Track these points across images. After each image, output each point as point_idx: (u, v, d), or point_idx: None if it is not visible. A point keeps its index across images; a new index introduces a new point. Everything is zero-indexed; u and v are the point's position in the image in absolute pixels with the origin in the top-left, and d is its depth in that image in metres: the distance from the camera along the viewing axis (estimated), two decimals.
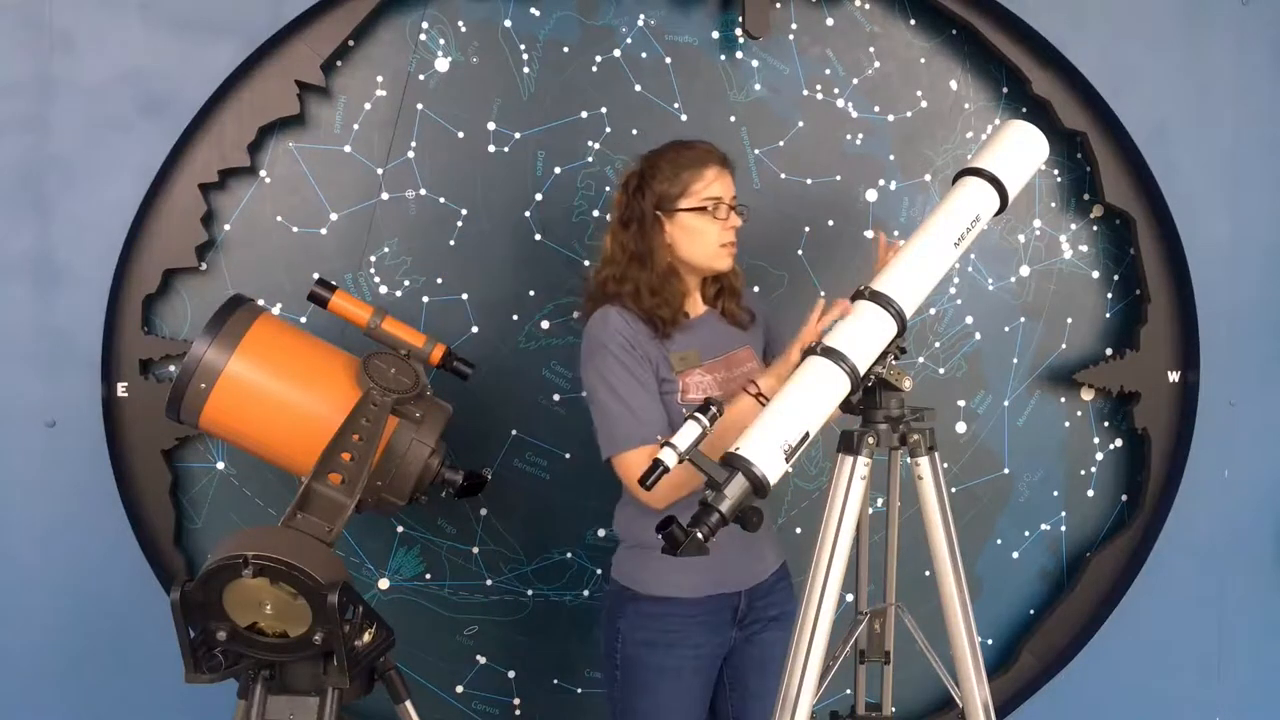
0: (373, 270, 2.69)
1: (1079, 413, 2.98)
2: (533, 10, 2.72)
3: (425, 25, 2.69)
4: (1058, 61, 2.82)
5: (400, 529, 2.73)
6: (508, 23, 2.72)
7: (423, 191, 2.71)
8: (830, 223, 2.85)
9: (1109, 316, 2.98)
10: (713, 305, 2.35)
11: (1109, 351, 2.97)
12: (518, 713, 2.81)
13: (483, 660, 2.79)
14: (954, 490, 2.82)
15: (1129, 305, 2.98)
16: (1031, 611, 2.99)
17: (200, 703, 2.41)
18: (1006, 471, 2.95)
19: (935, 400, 2.64)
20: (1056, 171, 2.94)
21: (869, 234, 2.86)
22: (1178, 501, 2.90)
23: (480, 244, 2.72)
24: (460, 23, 2.70)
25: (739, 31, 2.76)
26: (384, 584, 2.74)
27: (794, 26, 2.82)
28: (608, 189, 2.70)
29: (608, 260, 2.28)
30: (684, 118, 2.78)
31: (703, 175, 2.23)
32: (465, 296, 2.72)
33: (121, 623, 2.56)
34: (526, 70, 2.73)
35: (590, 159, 2.74)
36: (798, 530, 2.85)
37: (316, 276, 2.27)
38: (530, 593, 2.78)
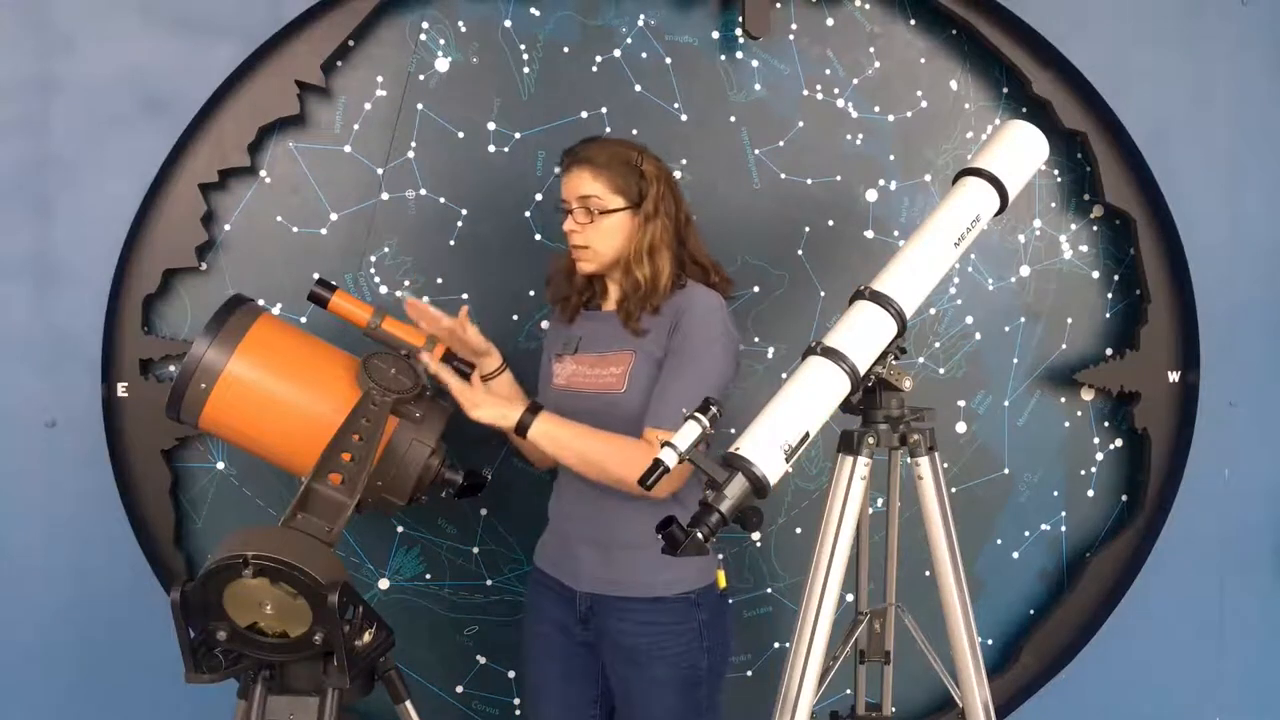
0: (373, 270, 2.69)
1: (1079, 413, 2.98)
2: (533, 10, 2.72)
3: (425, 25, 2.69)
4: (1058, 61, 2.82)
5: (400, 529, 2.73)
6: (508, 23, 2.72)
7: (423, 191, 2.71)
8: (830, 223, 2.85)
9: (1109, 316, 2.98)
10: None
11: (1109, 351, 2.97)
12: (517, 713, 2.80)
13: (483, 660, 2.79)
14: (954, 490, 2.82)
15: (1129, 305, 2.98)
16: (1031, 611, 2.99)
17: (200, 703, 2.41)
18: (1006, 471, 2.95)
19: (935, 400, 2.63)
20: (1056, 171, 2.94)
21: (869, 234, 2.86)
22: (1178, 501, 2.90)
23: (480, 244, 2.72)
24: (460, 23, 2.70)
25: (739, 31, 2.76)
26: (384, 584, 2.74)
27: (794, 26, 2.82)
28: None
29: None
30: (684, 118, 2.78)
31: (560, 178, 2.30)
32: (465, 296, 2.72)
33: (121, 623, 2.56)
34: (526, 70, 2.73)
35: None
36: (798, 530, 2.85)
37: (316, 276, 2.27)
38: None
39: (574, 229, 2.23)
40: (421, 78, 2.69)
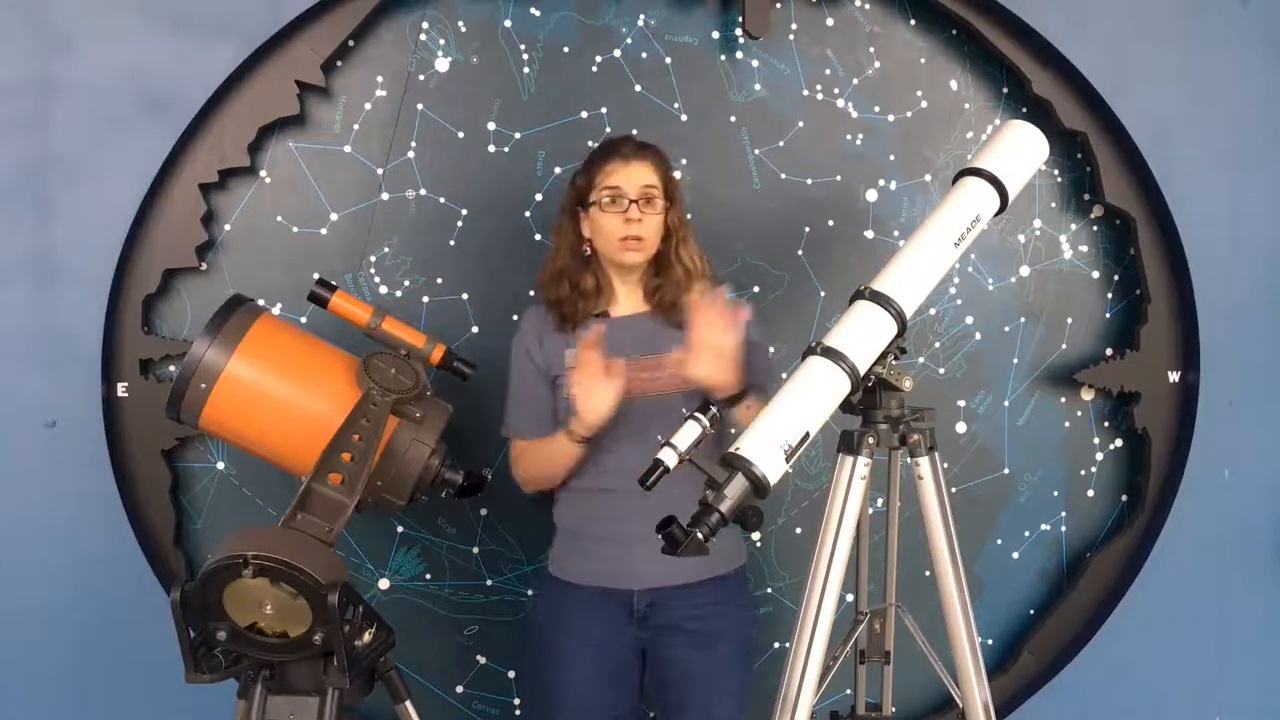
0: (373, 270, 2.69)
1: (1079, 413, 2.98)
2: (533, 10, 2.72)
3: (425, 25, 2.69)
4: (1058, 61, 2.82)
5: (400, 529, 2.73)
6: (508, 23, 2.72)
7: (423, 191, 2.71)
8: (830, 223, 2.85)
9: (1109, 316, 2.98)
10: (647, 303, 2.32)
11: (1109, 351, 2.97)
12: (518, 713, 2.80)
13: (483, 660, 2.79)
14: (954, 490, 2.82)
15: (1129, 305, 2.98)
16: (1031, 611, 2.99)
17: (200, 703, 2.41)
18: (1006, 471, 2.95)
19: (935, 400, 2.64)
20: (1056, 171, 2.94)
21: (869, 234, 2.86)
22: (1178, 501, 2.90)
23: (480, 244, 2.72)
24: (460, 23, 2.70)
25: (739, 31, 2.76)
26: (384, 584, 2.74)
27: (794, 26, 2.82)
28: None
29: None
30: (684, 118, 2.78)
31: (604, 167, 2.26)
32: (465, 296, 2.72)
33: (121, 623, 2.56)
34: (526, 70, 2.73)
35: None
36: (798, 530, 2.85)
37: (316, 276, 2.26)
38: (530, 593, 2.78)
39: (638, 218, 2.22)
40: (421, 78, 2.69)
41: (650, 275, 2.32)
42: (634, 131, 2.72)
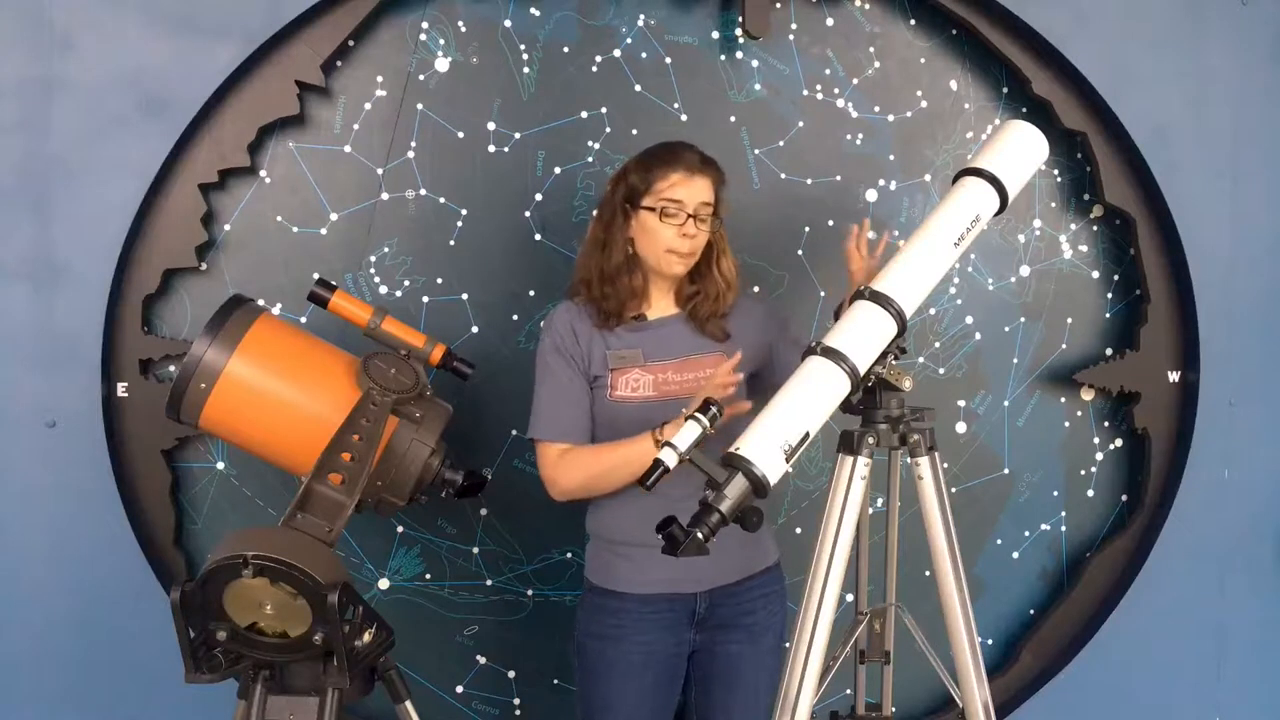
0: (373, 270, 2.69)
1: (1079, 413, 2.98)
2: (533, 10, 2.72)
3: (425, 25, 2.69)
4: (1058, 61, 2.82)
5: (400, 529, 2.73)
6: (508, 23, 2.72)
7: (423, 191, 2.71)
8: (830, 223, 2.85)
9: (1109, 316, 2.98)
10: (677, 305, 2.32)
11: (1109, 351, 2.97)
12: (518, 713, 2.81)
13: (483, 660, 2.79)
14: (954, 490, 2.82)
15: (1129, 305, 2.98)
16: (1031, 611, 2.99)
17: (200, 703, 2.41)
18: (1006, 471, 2.95)
19: (935, 400, 2.64)
20: (1056, 171, 2.94)
21: (871, 235, 2.86)
22: (1178, 501, 2.90)
23: (480, 244, 2.72)
24: (460, 23, 2.70)
25: (739, 31, 2.76)
26: (384, 584, 2.74)
27: (794, 26, 2.82)
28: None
29: (581, 248, 2.35)
30: (684, 118, 2.78)
31: (668, 176, 2.22)
32: (465, 296, 2.72)
33: (121, 623, 2.56)
34: (526, 70, 2.73)
35: (590, 159, 2.74)
36: (798, 530, 2.85)
37: (316, 276, 2.27)
38: (530, 593, 2.78)
39: (693, 234, 2.22)
40: (421, 78, 2.69)
41: (686, 281, 2.31)
42: (634, 131, 2.73)
